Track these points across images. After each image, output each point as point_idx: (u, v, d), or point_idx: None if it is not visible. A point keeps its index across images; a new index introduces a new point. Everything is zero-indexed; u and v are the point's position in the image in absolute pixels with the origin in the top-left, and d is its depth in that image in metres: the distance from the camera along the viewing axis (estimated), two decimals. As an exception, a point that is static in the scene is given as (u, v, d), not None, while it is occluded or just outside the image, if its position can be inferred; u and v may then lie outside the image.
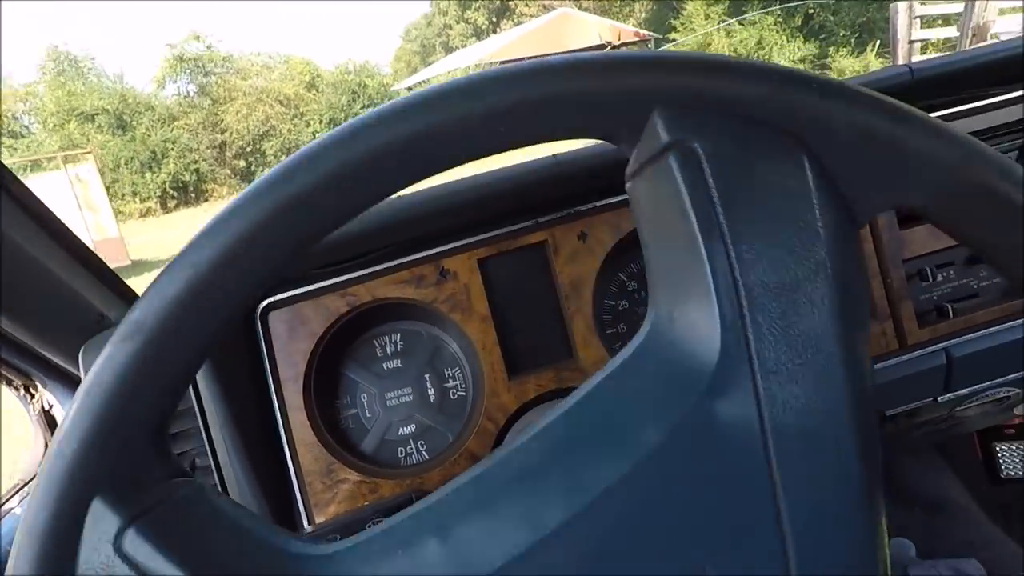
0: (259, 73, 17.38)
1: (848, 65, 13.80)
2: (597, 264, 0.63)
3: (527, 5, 31.84)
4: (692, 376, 0.24)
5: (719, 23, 16.75)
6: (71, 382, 0.67)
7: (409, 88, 20.13)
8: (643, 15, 25.61)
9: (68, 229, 0.63)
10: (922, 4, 5.37)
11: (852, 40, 15.04)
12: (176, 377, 0.24)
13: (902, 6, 5.33)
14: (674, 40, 17.74)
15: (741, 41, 16.07)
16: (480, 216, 0.63)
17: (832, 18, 15.59)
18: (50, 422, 0.69)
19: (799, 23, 16.20)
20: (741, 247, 0.23)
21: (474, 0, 34.32)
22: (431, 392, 0.65)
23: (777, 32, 15.75)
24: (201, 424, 0.59)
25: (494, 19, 34.06)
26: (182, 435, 0.62)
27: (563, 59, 0.24)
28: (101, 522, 0.23)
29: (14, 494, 0.65)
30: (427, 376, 0.65)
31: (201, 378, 0.59)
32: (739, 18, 16.29)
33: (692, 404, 0.23)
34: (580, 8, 24.78)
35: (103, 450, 0.22)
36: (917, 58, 5.27)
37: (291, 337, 0.60)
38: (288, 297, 0.60)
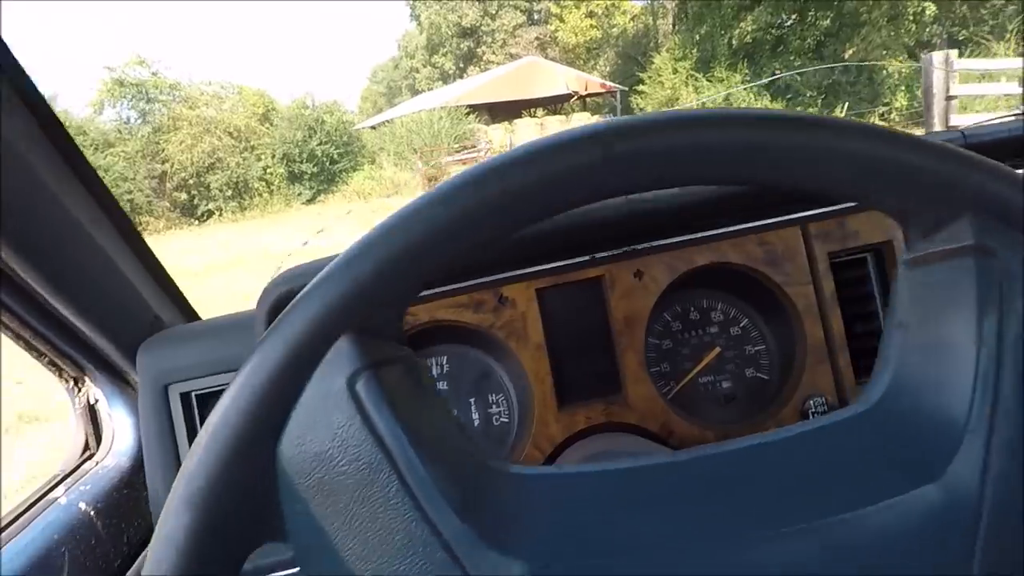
0: (208, 103, 16.24)
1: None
2: (651, 303, 0.63)
3: (494, 53, 32.19)
4: (927, 447, 0.24)
5: (687, 78, 16.85)
6: (120, 379, 0.69)
7: (373, 127, 19.44)
8: (607, 68, 26.10)
9: (137, 231, 0.68)
10: (959, 58, 4.77)
11: (818, 101, 15.26)
12: (419, 274, 0.26)
13: (937, 57, 4.76)
14: (642, 92, 17.76)
15: (709, 96, 16.14)
16: (540, 249, 0.63)
17: (798, 78, 15.87)
18: (93, 417, 0.70)
19: (765, 82, 16.47)
20: (1007, 351, 0.24)
21: (441, 46, 34.50)
22: (475, 416, 0.66)
23: (745, 90, 15.92)
24: None
25: (461, 65, 34.22)
26: None
27: (898, 132, 0.26)
28: (342, 358, 0.25)
29: (57, 484, 0.64)
30: (472, 400, 0.67)
31: None
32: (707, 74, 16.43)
33: (918, 474, 0.24)
34: (547, 58, 24.99)
35: (362, 296, 0.24)
36: (957, 118, 4.65)
37: None
38: None
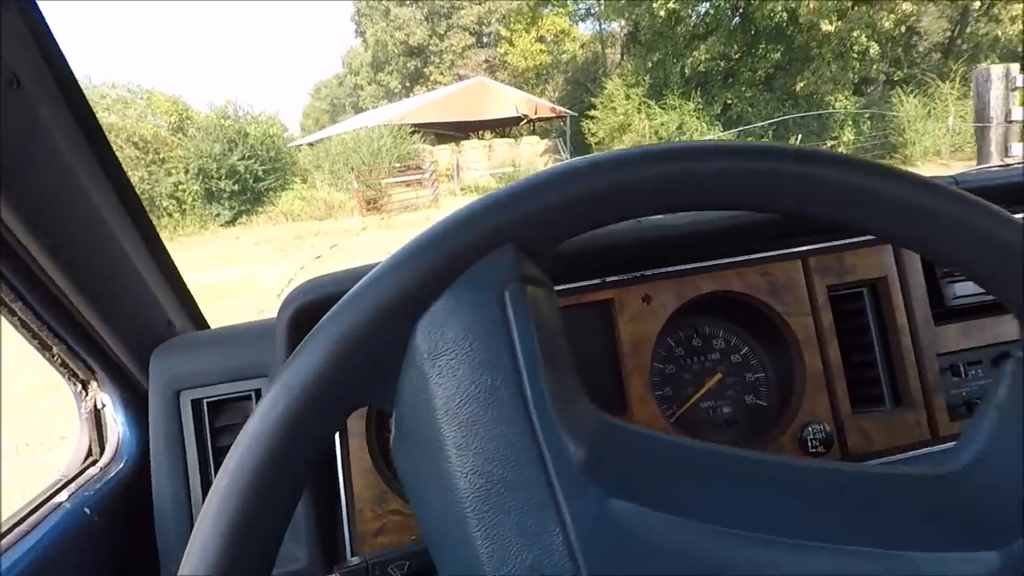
0: (110, 108, 14.19)
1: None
2: (658, 327, 0.65)
3: (442, 74, 31.39)
4: (997, 520, 0.25)
5: (639, 104, 16.45)
6: (128, 384, 0.69)
7: (311, 144, 17.96)
8: (556, 93, 25.77)
9: (158, 235, 0.70)
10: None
11: (769, 133, 15.15)
12: (585, 217, 0.29)
13: (996, 72, 3.86)
14: (594, 117, 17.25)
15: (662, 124, 15.74)
16: (553, 269, 0.67)
17: (750, 110, 15.74)
18: (99, 422, 0.70)
19: (718, 111, 16.25)
20: None
21: (387, 64, 33.40)
22: None
23: (697, 119, 15.64)
24: None
25: (408, 84, 33.21)
26: (237, 427, 0.65)
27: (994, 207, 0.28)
28: (501, 262, 0.27)
29: (62, 488, 0.64)
30: None
31: (267, 387, 0.67)
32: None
33: (983, 540, 0.25)
34: (496, 80, 24.36)
35: (539, 216, 0.28)
36: (1019, 146, 3.76)
37: None
38: None
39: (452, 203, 13.59)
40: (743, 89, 16.17)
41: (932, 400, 0.65)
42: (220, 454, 0.68)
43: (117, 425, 0.70)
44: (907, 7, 14.13)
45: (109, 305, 0.62)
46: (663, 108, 15.92)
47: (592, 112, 17.42)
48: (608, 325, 0.66)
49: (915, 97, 12.78)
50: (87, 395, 0.69)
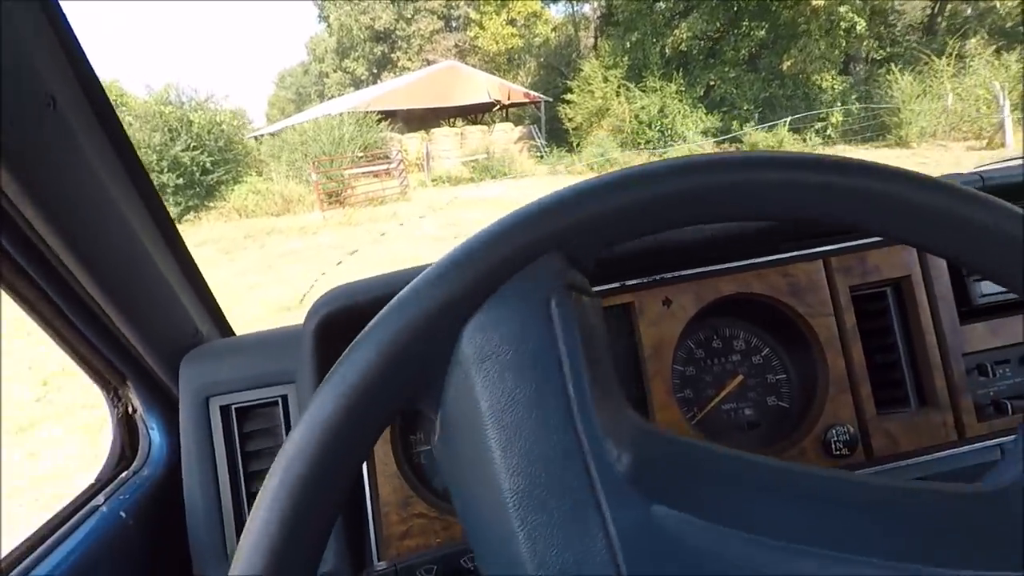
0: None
1: (761, 139, 12.94)
2: (678, 330, 0.65)
3: (410, 59, 30.07)
4: None
5: (618, 87, 15.62)
6: (159, 390, 0.70)
7: (272, 134, 16.67)
8: (529, 79, 24.79)
9: (184, 244, 0.72)
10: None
11: (755, 115, 14.44)
12: (631, 227, 0.29)
13: None
14: (570, 102, 16.36)
15: (643, 107, 14.93)
16: None
17: (735, 91, 14.99)
18: (130, 426, 0.71)
19: (701, 93, 15.45)
20: None
21: (353, 49, 31.90)
22: None
23: (680, 101, 14.86)
24: (285, 434, 0.65)
25: (375, 70, 31.80)
26: (264, 432, 0.68)
27: None
28: (548, 269, 0.27)
29: (98, 491, 0.65)
30: None
31: (293, 393, 0.67)
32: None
33: (1009, 561, 0.24)
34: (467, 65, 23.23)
35: (584, 225, 0.28)
36: None
37: None
38: None
39: (423, 195, 12.56)
40: (726, 69, 15.41)
41: (959, 401, 0.64)
42: (248, 459, 0.69)
43: (147, 430, 0.72)
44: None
45: (141, 314, 0.63)
46: (643, 91, 15.09)
47: (568, 96, 16.51)
48: (628, 329, 0.66)
49: (909, 75, 12.21)
50: (119, 400, 0.71)
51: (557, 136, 17.82)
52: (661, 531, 0.24)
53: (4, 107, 0.45)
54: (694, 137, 14.04)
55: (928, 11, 16.09)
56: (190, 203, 12.51)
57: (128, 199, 0.61)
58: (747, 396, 0.69)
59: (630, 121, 15.11)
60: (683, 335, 0.65)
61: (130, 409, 0.70)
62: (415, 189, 13.15)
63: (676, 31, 15.87)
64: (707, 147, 13.66)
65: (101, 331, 0.62)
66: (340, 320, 0.58)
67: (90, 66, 0.55)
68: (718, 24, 15.53)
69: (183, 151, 12.25)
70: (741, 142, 13.23)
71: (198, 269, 0.74)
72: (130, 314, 0.61)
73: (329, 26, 33.34)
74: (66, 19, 0.52)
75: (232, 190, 12.85)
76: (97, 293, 0.58)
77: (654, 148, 14.61)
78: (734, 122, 14.30)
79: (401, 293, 0.26)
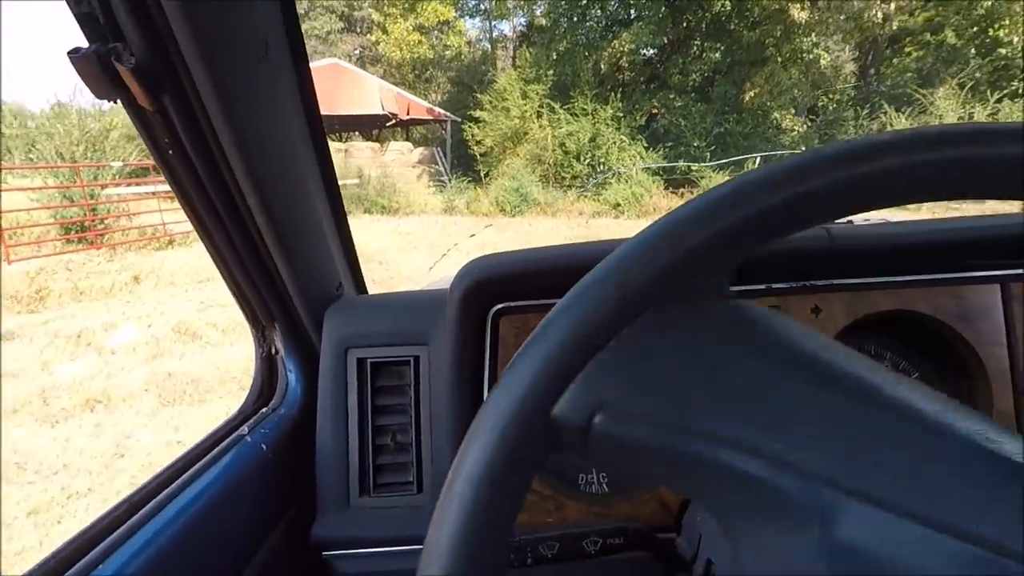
0: None
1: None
2: None
3: (302, 61, 25.58)
4: None
5: (540, 106, 12.36)
6: (300, 337, 0.73)
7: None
8: (440, 96, 21.30)
9: (342, 200, 0.76)
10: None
11: (707, 153, 11.64)
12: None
13: None
14: (480, 120, 12.91)
15: (570, 134, 11.71)
16: None
17: (682, 122, 12.15)
18: (271, 367, 0.75)
19: (642, 122, 12.49)
20: None
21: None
22: None
23: (616, 129, 11.79)
24: (412, 403, 0.69)
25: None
26: (393, 388, 0.71)
27: None
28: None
29: (242, 422, 0.68)
30: None
31: (425, 355, 0.70)
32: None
33: None
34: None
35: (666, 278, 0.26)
36: None
37: (515, 342, 0.63)
38: (518, 306, 0.63)
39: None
40: (672, 96, 12.65)
41: None
42: (377, 412, 0.71)
43: (286, 372, 0.74)
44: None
45: (299, 260, 0.66)
46: (572, 113, 11.91)
47: (478, 113, 13.01)
48: None
49: (906, 117, 9.91)
50: (264, 341, 0.73)
51: (464, 161, 14.27)
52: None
53: (231, 55, 0.48)
54: (638, 175, 10.95)
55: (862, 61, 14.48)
56: None
57: (308, 151, 0.65)
58: None
59: (553, 150, 11.86)
60: None
61: (273, 350, 0.74)
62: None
63: (615, 42, 12.91)
64: (653, 188, 10.60)
65: (263, 272, 0.64)
66: (484, 289, 0.59)
67: (295, 12, 0.58)
68: (665, 40, 12.74)
69: None
70: (697, 185, 10.32)
71: (349, 228, 0.77)
72: (290, 258, 0.63)
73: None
74: None
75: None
76: (268, 233, 0.60)
77: (583, 186, 11.41)
78: (680, 160, 11.41)
79: (596, 270, 0.26)
